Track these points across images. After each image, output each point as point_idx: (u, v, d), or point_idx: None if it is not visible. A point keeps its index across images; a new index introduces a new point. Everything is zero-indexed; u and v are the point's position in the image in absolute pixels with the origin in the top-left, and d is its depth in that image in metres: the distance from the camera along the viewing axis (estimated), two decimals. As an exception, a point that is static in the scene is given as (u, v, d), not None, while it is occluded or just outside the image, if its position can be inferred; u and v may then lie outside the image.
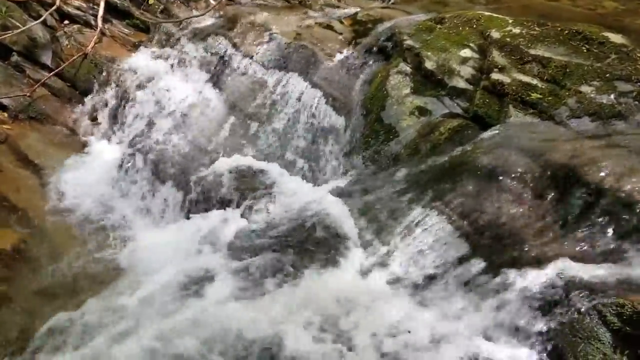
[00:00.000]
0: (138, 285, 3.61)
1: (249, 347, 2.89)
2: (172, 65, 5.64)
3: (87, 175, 4.93)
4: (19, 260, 4.14)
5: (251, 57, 5.25)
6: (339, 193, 4.13)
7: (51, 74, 6.02)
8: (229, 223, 4.15)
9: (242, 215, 4.18)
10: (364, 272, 3.49)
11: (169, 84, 5.45)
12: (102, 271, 4.07)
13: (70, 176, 4.93)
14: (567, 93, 3.71)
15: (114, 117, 5.59)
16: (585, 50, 3.96)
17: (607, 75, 3.70)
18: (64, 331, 3.26)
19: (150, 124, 5.11)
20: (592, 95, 3.61)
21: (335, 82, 4.79)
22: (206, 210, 4.47)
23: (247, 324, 2.99)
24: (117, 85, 5.73)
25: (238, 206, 4.31)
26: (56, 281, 4.03)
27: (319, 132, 4.72)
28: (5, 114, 5.54)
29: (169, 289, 3.42)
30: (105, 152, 5.25)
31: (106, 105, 5.72)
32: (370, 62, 4.86)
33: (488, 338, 2.92)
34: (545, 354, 2.74)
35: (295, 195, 4.18)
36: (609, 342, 2.54)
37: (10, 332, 3.51)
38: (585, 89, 3.67)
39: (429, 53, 4.34)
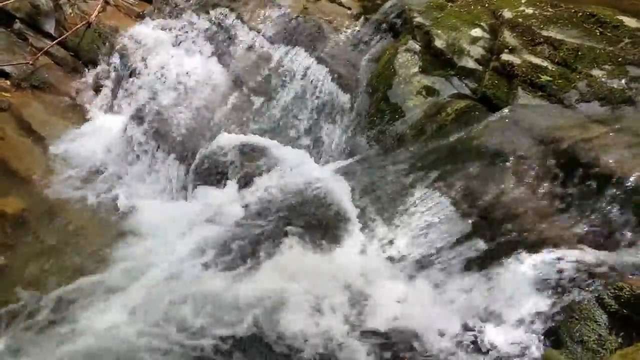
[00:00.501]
0: (141, 254, 3.63)
1: (244, 316, 2.91)
2: (176, 37, 5.56)
3: (90, 145, 4.90)
4: (20, 227, 4.15)
5: (257, 31, 5.17)
6: (342, 172, 4.11)
7: (54, 42, 5.96)
8: (231, 198, 4.14)
9: (244, 191, 4.17)
10: (364, 251, 3.50)
11: (172, 55, 5.38)
12: (104, 240, 4.08)
13: (73, 146, 4.91)
14: (577, 76, 3.65)
15: (117, 88, 5.54)
16: (598, 34, 3.88)
17: (620, 59, 3.63)
18: (71, 298, 3.30)
19: (154, 96, 5.06)
20: (603, 79, 3.56)
21: (342, 58, 4.72)
22: (208, 184, 4.45)
23: (244, 294, 3.01)
24: (120, 56, 5.66)
25: (240, 182, 4.29)
26: (58, 249, 4.04)
27: (323, 109, 4.67)
28: (8, 82, 5.50)
29: (172, 258, 3.44)
30: (107, 122, 5.21)
31: (109, 75, 5.66)
32: (379, 39, 4.78)
33: (485, 318, 2.95)
34: (541, 335, 2.77)
35: (298, 172, 4.16)
36: (605, 324, 2.59)
37: (12, 300, 3.53)
38: (596, 72, 3.61)
39: (439, 31, 4.26)
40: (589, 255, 2.75)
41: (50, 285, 3.57)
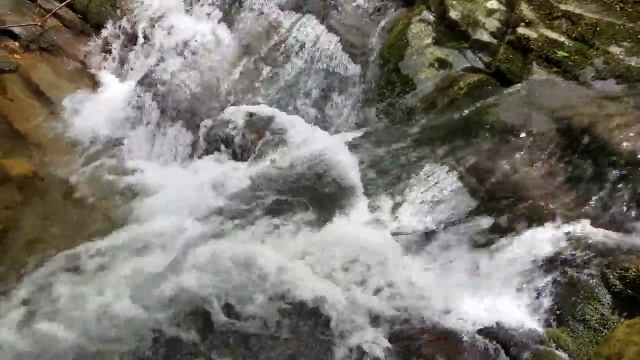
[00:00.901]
0: (148, 219, 3.65)
1: (256, 282, 2.94)
2: (186, 2, 5.48)
3: (97, 109, 4.88)
4: (26, 189, 4.17)
5: (268, -3, 5.07)
6: (350, 144, 4.08)
7: (62, 4, 5.87)
8: (239, 167, 4.13)
9: (251, 161, 4.15)
10: (369, 224, 3.48)
11: (182, 21, 5.31)
12: (111, 203, 4.10)
13: (80, 109, 4.89)
14: (594, 53, 3.57)
15: (126, 52, 5.49)
16: (618, 9, 3.79)
17: (639, 36, 3.53)
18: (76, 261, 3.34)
19: (161, 61, 5.01)
20: (620, 56, 3.48)
21: (354, 27, 4.63)
22: (216, 153, 4.44)
23: (254, 262, 3.03)
24: (129, 20, 5.59)
25: (249, 150, 4.28)
26: (64, 211, 4.06)
27: (333, 80, 4.61)
28: (17, 43, 5.44)
29: (179, 225, 3.45)
30: (115, 87, 5.18)
31: (118, 39, 5.60)
32: (392, 8, 4.68)
33: (489, 293, 2.95)
34: (544, 312, 2.77)
35: (306, 143, 4.13)
36: (608, 304, 2.58)
37: (20, 256, 3.57)
38: (614, 49, 3.52)
39: (454, 2, 4.17)
40: (597, 234, 2.74)
41: (56, 247, 3.60)
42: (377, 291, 3.00)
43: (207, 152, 4.51)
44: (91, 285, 3.06)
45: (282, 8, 4.98)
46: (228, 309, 2.81)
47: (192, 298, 2.84)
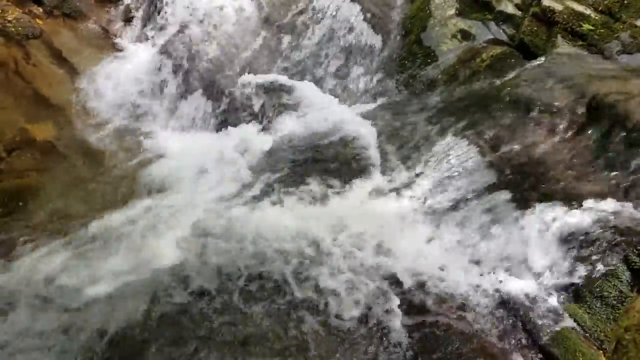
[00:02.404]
0: (172, 188, 3.70)
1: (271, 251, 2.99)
2: (207, -30, 5.41)
3: (119, 76, 4.90)
4: (49, 154, 4.23)
5: (290, -36, 5.01)
6: (369, 115, 4.08)
7: (85, -31, 5.85)
8: (258, 135, 4.16)
9: (270, 129, 4.18)
10: (385, 194, 3.51)
11: (203, -12, 5.26)
12: (133, 169, 4.16)
13: (102, 76, 4.92)
14: (621, 26, 3.49)
15: (148, 20, 5.48)
16: (648, -19, 3.67)
17: (669, 10, 3.45)
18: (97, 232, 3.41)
19: (183, 29, 5.00)
20: (649, 30, 3.40)
21: (376, -3, 4.57)
22: (236, 122, 4.47)
23: (272, 227, 3.08)
24: (150, -13, 5.56)
25: (268, 120, 4.30)
26: (87, 178, 4.13)
27: (353, 50, 4.58)
28: (41, 9, 5.45)
29: (204, 191, 3.51)
30: (137, 54, 5.19)
31: (140, 6, 5.59)
32: (416, -22, 4.60)
33: (506, 268, 2.97)
34: (562, 288, 2.79)
35: (325, 113, 4.14)
36: (627, 281, 2.59)
37: (45, 217, 3.66)
38: (642, 23, 3.44)
39: (479, -27, 4.08)
40: (617, 211, 2.72)
41: (78, 215, 3.67)
42: (393, 259, 3.05)
43: (229, 118, 4.54)
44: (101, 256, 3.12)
45: (303, -23, 4.92)
46: (245, 277, 2.87)
47: (208, 265, 2.91)
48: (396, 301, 2.83)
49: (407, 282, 2.94)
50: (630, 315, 2.11)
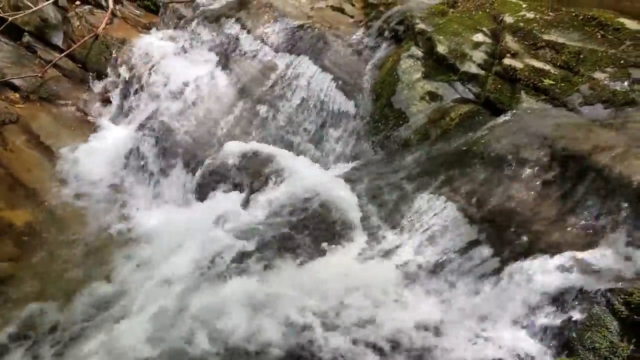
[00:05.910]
0: (153, 265, 3.66)
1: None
2: (182, 47, 5.62)
3: (98, 156, 4.95)
4: (28, 240, 4.19)
5: (262, 40, 5.22)
6: (347, 178, 4.12)
7: (62, 54, 6.03)
8: (239, 206, 4.16)
9: (251, 198, 4.19)
10: (369, 257, 3.50)
11: (179, 66, 5.43)
12: (112, 250, 4.11)
13: (81, 157, 4.96)
14: (580, 79, 3.66)
15: (125, 99, 5.60)
16: (599, 36, 3.89)
17: (622, 61, 3.63)
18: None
19: (160, 107, 5.12)
20: (605, 82, 3.56)
21: (346, 65, 4.75)
22: (217, 194, 4.48)
23: (254, 297, 3.02)
24: (127, 67, 5.73)
25: (246, 189, 4.32)
26: (66, 260, 4.07)
27: (328, 116, 4.69)
28: (17, 95, 5.57)
29: (185, 267, 3.46)
30: (115, 133, 5.27)
31: (117, 87, 5.73)
32: (382, 46, 4.81)
33: (493, 325, 2.93)
34: (552, 342, 2.74)
35: (304, 179, 4.18)
36: (616, 331, 2.55)
37: (18, 310, 3.56)
38: (598, 75, 3.61)
39: (441, 37, 4.28)
40: (598, 260, 2.72)
41: (57, 298, 3.58)
42: (378, 323, 2.99)
43: (209, 190, 4.55)
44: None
45: (276, 50, 5.11)
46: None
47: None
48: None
49: (395, 346, 2.87)
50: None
